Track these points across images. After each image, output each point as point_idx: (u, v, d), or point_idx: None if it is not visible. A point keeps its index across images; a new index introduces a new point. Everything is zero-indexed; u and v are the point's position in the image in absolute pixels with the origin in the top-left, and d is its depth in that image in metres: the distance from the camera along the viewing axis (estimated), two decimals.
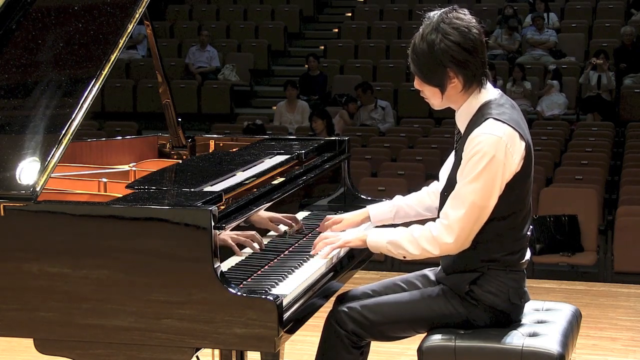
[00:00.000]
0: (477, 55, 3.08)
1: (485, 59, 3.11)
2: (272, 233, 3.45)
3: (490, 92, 3.15)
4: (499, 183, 3.04)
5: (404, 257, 3.19)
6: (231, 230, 3.06)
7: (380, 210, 3.55)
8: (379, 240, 3.22)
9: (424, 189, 3.53)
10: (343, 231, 3.56)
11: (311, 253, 3.28)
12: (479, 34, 3.08)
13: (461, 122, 3.17)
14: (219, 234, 2.90)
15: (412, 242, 3.14)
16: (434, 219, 3.19)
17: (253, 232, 3.21)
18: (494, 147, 3.01)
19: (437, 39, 3.05)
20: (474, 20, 3.11)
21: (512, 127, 3.05)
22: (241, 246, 3.16)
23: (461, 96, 3.13)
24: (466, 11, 3.12)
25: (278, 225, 3.46)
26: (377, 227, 3.64)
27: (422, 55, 3.08)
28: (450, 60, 3.05)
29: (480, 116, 3.09)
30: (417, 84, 3.17)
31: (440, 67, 3.06)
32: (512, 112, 3.11)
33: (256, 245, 3.21)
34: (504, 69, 13.00)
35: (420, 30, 3.11)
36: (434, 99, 3.16)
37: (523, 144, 3.07)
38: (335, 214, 3.88)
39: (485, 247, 3.13)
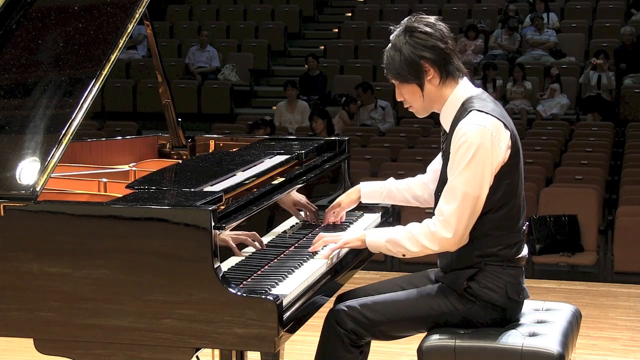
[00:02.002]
0: (447, 43, 3.15)
1: (456, 51, 3.19)
2: (272, 233, 3.45)
3: (471, 89, 3.20)
4: (488, 172, 3.07)
5: (404, 255, 3.21)
6: (231, 230, 3.06)
7: (371, 188, 3.64)
8: (377, 239, 3.23)
9: (418, 176, 3.58)
10: (344, 227, 3.57)
11: (309, 251, 3.28)
12: (446, 28, 3.18)
13: (446, 121, 3.22)
14: (219, 234, 2.90)
15: (411, 240, 3.15)
16: (429, 214, 3.21)
17: (253, 232, 3.22)
18: (479, 137, 3.05)
19: (407, 37, 3.15)
20: (439, 20, 3.20)
21: (495, 117, 3.10)
22: (242, 246, 3.16)
23: (440, 91, 3.18)
24: (429, 16, 3.22)
25: (300, 211, 3.61)
26: (376, 226, 3.67)
27: (395, 58, 3.17)
28: (423, 50, 3.13)
29: (463, 111, 3.14)
30: (397, 92, 3.25)
31: (415, 61, 3.14)
32: (495, 106, 3.17)
33: (257, 244, 3.21)
34: (504, 69, 12.99)
35: (390, 41, 3.21)
36: (415, 99, 3.21)
37: (508, 133, 3.12)
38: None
39: (480, 241, 3.14)
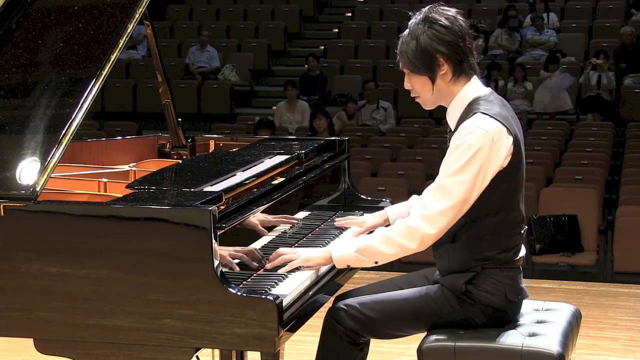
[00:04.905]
0: (465, 41, 3.11)
1: (472, 49, 3.15)
2: (272, 233, 3.45)
3: (480, 89, 3.17)
4: (482, 177, 3.04)
5: (376, 263, 3.11)
6: (231, 229, 3.06)
7: (397, 210, 3.56)
8: (345, 252, 3.14)
9: None
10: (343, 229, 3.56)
11: (266, 267, 3.15)
12: (466, 24, 3.14)
13: (452, 119, 3.19)
14: (219, 234, 2.90)
15: (384, 242, 3.09)
16: None
17: (251, 249, 3.17)
18: (480, 140, 3.02)
19: (425, 27, 3.10)
20: (460, 15, 3.16)
21: (499, 121, 3.06)
22: (243, 241, 3.16)
23: (451, 87, 3.14)
24: (450, 8, 3.17)
25: (272, 228, 3.41)
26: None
27: (411, 46, 3.11)
28: (439, 44, 3.08)
29: (469, 111, 3.11)
30: (407, 80, 3.19)
31: (430, 53, 3.09)
32: (502, 108, 3.13)
33: (255, 263, 3.14)
34: (504, 69, 12.99)
35: (408, 27, 3.16)
36: (424, 91, 3.16)
37: (511, 139, 3.08)
38: (335, 214, 3.89)
39: (478, 245, 3.12)
